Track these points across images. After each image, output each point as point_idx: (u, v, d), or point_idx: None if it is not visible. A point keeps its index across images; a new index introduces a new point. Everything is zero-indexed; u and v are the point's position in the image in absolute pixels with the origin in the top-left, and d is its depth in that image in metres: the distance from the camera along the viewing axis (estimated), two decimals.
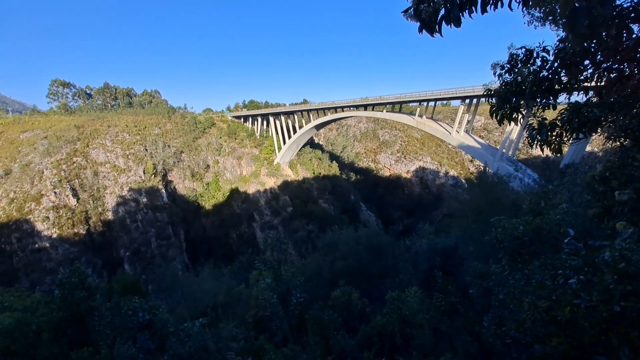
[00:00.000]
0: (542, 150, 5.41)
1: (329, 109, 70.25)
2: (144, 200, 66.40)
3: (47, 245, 54.56)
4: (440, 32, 3.00)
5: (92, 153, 69.19)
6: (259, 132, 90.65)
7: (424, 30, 3.04)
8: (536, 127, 5.12)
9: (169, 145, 79.27)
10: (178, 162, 78.91)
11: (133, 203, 65.36)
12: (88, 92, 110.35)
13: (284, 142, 79.81)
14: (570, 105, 4.96)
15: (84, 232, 59.12)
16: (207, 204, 77.93)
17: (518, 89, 5.38)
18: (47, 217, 56.06)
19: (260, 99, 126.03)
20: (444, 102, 65.82)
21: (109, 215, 63.72)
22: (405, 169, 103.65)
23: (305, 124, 74.39)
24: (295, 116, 79.14)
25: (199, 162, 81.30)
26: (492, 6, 4.26)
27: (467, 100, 45.98)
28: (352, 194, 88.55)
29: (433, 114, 55.62)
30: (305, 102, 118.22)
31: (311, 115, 74.89)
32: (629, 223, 5.24)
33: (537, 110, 5.48)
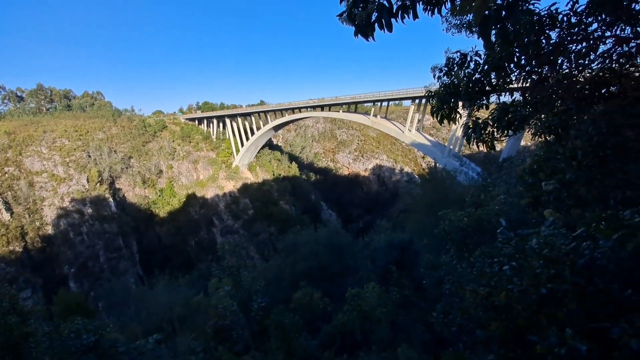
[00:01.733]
0: (477, 147, 5.80)
1: (286, 109, 69.95)
2: (89, 210, 61.23)
3: None
4: (373, 37, 3.08)
5: (26, 162, 62.39)
6: (215, 134, 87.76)
7: (359, 34, 3.10)
8: (471, 126, 5.48)
9: (115, 151, 73.85)
10: (127, 168, 73.81)
11: (76, 214, 59.99)
12: (19, 94, 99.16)
13: (242, 145, 78.08)
14: (499, 105, 5.36)
15: (21, 250, 53.27)
16: (162, 211, 73.81)
17: (455, 91, 5.70)
18: None
19: (215, 101, 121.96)
20: (397, 102, 68.47)
21: (49, 230, 57.94)
22: (363, 168, 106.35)
23: (263, 126, 73.42)
24: (253, 118, 77.78)
25: (150, 168, 76.70)
26: (429, 12, 4.48)
27: (417, 100, 48.27)
28: (312, 193, 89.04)
29: (387, 113, 57.66)
30: (262, 103, 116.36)
31: (269, 117, 74.04)
32: (554, 210, 5.81)
33: (472, 110, 5.86)
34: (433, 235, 12.85)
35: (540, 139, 6.72)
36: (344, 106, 60.53)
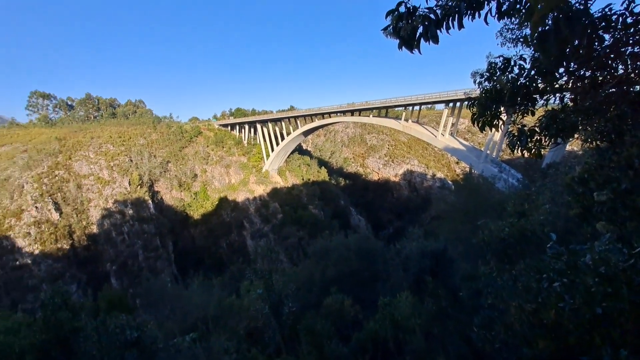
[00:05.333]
0: (522, 155, 5.56)
1: (316, 115, 70.52)
2: (130, 212, 65.00)
3: (29, 261, 52.71)
4: (419, 49, 3.08)
5: (75, 165, 67.53)
6: (246, 139, 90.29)
7: (403, 47, 3.11)
8: (516, 134, 5.27)
9: (154, 156, 78.08)
10: (164, 172, 77.74)
11: (118, 215, 63.89)
12: (69, 103, 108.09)
13: (272, 149, 79.64)
14: (547, 112, 5.12)
15: (68, 247, 57.41)
16: (196, 213, 76.83)
17: (497, 96, 5.53)
18: (29, 233, 54.24)
19: (247, 107, 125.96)
20: (429, 106, 66.83)
21: (94, 229, 62.08)
22: (393, 173, 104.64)
23: (293, 131, 74.45)
24: (283, 123, 79.18)
25: (186, 172, 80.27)
26: (470, 17, 4.41)
27: (451, 104, 46.87)
28: (341, 198, 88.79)
29: (418, 117, 56.48)
30: (292, 108, 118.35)
31: (298, 122, 75.02)
32: (608, 223, 5.42)
33: (517, 117, 5.64)
34: (469, 244, 12.40)
35: (590, 145, 6.33)
36: (374, 111, 60.06)
